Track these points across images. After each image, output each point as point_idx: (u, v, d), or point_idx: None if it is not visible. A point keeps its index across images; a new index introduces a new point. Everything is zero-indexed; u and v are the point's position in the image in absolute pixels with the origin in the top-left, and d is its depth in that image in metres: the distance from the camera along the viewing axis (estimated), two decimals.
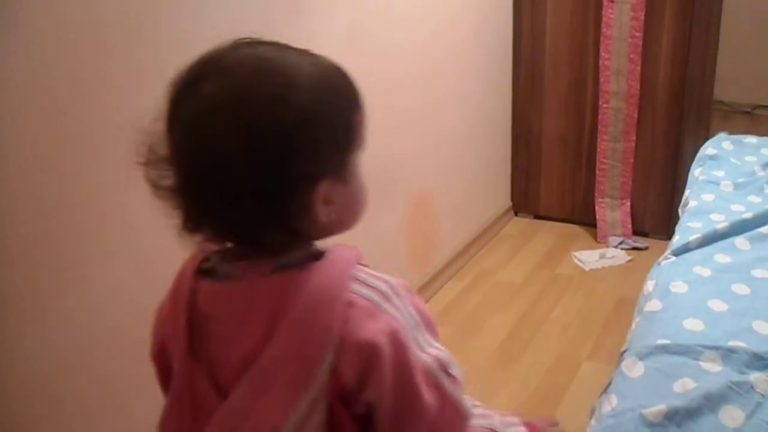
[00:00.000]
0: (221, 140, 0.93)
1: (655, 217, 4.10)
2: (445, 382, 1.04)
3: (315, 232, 1.03)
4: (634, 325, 1.95)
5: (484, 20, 3.92)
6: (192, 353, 1.05)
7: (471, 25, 3.75)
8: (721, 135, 3.30)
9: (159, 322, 1.12)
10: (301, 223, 0.98)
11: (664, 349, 1.75)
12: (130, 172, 1.03)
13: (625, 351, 1.80)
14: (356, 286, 0.99)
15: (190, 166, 0.97)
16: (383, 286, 1.01)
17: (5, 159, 1.65)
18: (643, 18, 3.77)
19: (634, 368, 1.71)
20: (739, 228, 2.37)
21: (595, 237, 4.18)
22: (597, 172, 4.12)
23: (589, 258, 3.94)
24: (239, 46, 1.00)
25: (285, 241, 1.00)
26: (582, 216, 4.30)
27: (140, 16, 1.91)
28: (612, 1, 3.80)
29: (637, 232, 4.14)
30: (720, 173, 2.88)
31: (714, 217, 2.48)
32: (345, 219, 1.06)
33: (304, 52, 1.02)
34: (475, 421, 1.12)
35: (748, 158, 3.04)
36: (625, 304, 3.31)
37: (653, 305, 1.96)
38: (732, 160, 3.01)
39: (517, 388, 2.88)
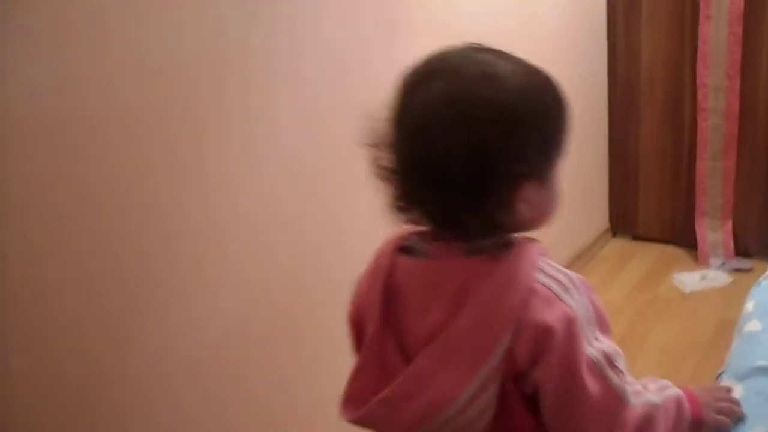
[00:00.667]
0: (444, 134, 1.04)
1: (759, 237, 3.98)
2: (610, 373, 1.11)
3: (512, 226, 1.12)
4: (732, 347, 1.89)
5: (578, 38, 3.89)
6: (385, 321, 1.16)
7: (564, 42, 3.72)
8: None
9: (357, 292, 1.25)
10: (502, 217, 1.08)
11: (765, 372, 1.68)
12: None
13: (722, 372, 1.73)
14: (539, 276, 1.08)
15: (412, 153, 1.08)
16: (564, 279, 1.10)
17: (120, 163, 1.73)
18: (740, 33, 3.69)
19: (732, 390, 1.65)
20: None
21: (695, 258, 4.08)
22: (697, 191, 4.03)
23: (690, 280, 3.85)
24: (467, 50, 1.12)
25: (485, 231, 1.10)
26: (682, 237, 4.20)
27: (252, 33, 2.04)
28: (708, 18, 3.73)
29: (740, 252, 4.02)
30: None
31: None
32: (539, 218, 1.15)
33: (522, 62, 1.12)
34: (634, 400, 1.15)
35: None
36: (727, 327, 3.20)
37: (753, 326, 1.89)
38: None
39: None
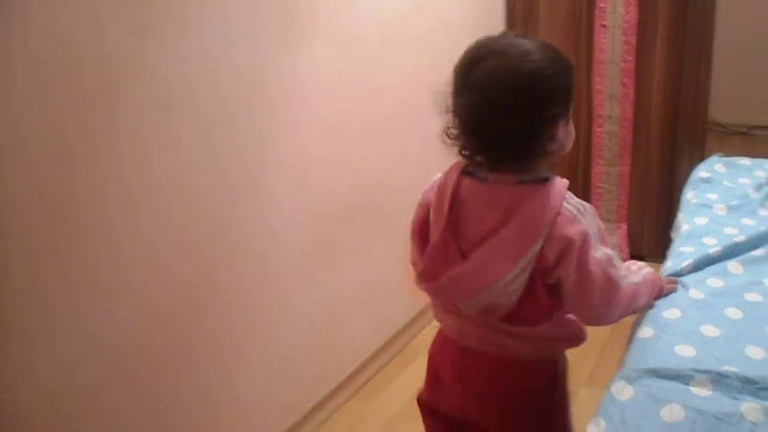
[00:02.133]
0: (502, 98, 1.51)
1: (652, 240, 4.10)
2: (610, 268, 1.64)
3: (554, 153, 1.59)
4: (626, 353, 1.94)
5: None
6: (449, 224, 1.63)
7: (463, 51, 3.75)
8: (714, 157, 3.29)
9: (424, 200, 1.73)
10: (550, 147, 1.57)
11: (654, 373, 1.73)
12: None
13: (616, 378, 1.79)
14: (565, 203, 1.57)
15: (478, 116, 1.54)
16: (581, 207, 1.60)
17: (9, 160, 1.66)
18: (635, 42, 3.79)
19: (623, 392, 1.70)
20: (732, 251, 2.36)
21: None
22: (592, 196, 4.12)
23: None
24: (506, 35, 1.60)
25: (537, 159, 1.59)
26: None
27: (141, 54, 1.99)
28: (604, 26, 3.82)
29: (635, 255, 4.12)
30: (713, 196, 2.87)
31: (707, 240, 2.46)
32: (566, 146, 1.63)
33: (541, 43, 1.57)
34: (624, 284, 1.71)
35: (741, 180, 3.03)
36: (623, 328, 3.24)
37: (645, 332, 1.94)
38: (725, 182, 3.00)
39: None
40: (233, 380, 2.47)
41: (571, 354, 3.26)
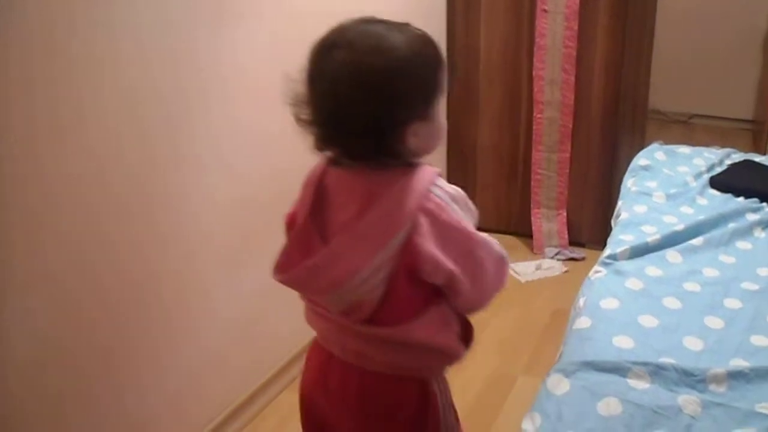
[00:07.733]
0: (346, 94, 1.39)
1: (592, 227, 4.09)
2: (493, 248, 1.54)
3: (407, 155, 1.45)
4: (563, 343, 1.91)
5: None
6: (312, 213, 1.52)
7: None
8: (654, 145, 3.29)
9: (298, 198, 1.58)
10: (398, 149, 1.43)
11: (591, 366, 1.71)
12: None
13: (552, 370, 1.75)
14: (433, 188, 1.44)
15: (325, 110, 1.43)
16: (453, 191, 1.48)
17: None
18: (576, 28, 3.76)
19: (559, 385, 1.67)
20: (670, 240, 2.35)
21: (531, 248, 4.15)
22: (532, 182, 4.10)
23: (526, 269, 3.91)
24: (360, 23, 1.45)
25: (387, 160, 1.44)
26: (518, 227, 4.27)
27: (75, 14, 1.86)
28: (545, 12, 3.78)
29: (574, 242, 4.12)
30: (652, 184, 2.87)
31: (646, 229, 2.45)
32: (427, 146, 1.49)
33: (405, 28, 1.45)
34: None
35: (680, 169, 3.03)
36: (561, 316, 3.27)
37: (582, 323, 1.92)
38: (665, 170, 3.00)
39: None
40: (163, 373, 2.39)
41: (510, 341, 3.27)
